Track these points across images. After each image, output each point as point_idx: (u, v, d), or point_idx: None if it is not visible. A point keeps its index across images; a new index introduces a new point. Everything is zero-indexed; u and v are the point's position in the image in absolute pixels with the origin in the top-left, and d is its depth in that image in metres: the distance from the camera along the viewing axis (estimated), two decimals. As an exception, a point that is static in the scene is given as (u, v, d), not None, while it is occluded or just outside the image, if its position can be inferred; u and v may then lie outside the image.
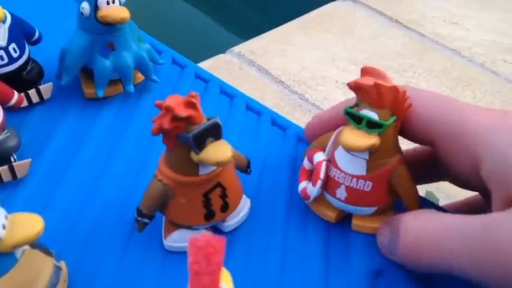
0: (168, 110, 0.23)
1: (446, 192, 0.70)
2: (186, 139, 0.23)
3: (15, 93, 0.32)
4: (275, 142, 0.33)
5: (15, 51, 0.33)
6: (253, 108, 0.36)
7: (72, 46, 0.33)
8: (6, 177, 0.29)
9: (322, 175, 0.27)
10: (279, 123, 0.35)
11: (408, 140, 0.28)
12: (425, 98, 0.27)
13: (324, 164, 0.27)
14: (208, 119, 0.24)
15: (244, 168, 0.28)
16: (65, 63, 0.33)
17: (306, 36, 0.99)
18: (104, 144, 0.32)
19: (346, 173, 0.27)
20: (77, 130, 0.33)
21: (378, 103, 0.25)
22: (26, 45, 0.34)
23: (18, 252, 0.22)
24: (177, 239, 0.27)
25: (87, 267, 0.26)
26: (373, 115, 0.25)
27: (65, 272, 0.24)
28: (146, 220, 0.26)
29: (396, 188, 0.27)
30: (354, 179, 0.26)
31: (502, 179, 0.23)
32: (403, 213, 0.26)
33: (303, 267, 0.27)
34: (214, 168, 0.25)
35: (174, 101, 0.23)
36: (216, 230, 0.28)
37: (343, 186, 0.27)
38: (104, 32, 0.33)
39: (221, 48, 0.95)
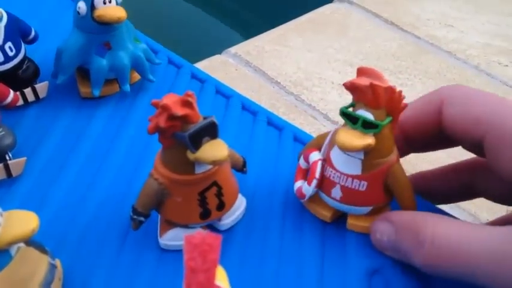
0: (165, 108, 0.23)
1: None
2: (182, 138, 0.23)
3: (11, 91, 0.32)
4: (271, 142, 0.34)
5: (11, 50, 0.33)
6: (249, 108, 0.36)
7: (69, 45, 0.33)
8: (1, 175, 0.29)
9: (317, 174, 0.27)
10: (275, 123, 0.35)
11: (453, 138, 0.27)
12: (474, 95, 0.26)
13: (319, 163, 0.27)
14: (205, 118, 0.24)
15: (240, 168, 0.28)
16: (61, 62, 0.33)
17: (302, 38, 0.99)
18: (100, 143, 0.32)
19: (341, 173, 0.27)
20: (72, 129, 0.33)
21: (374, 103, 0.25)
22: (22, 44, 0.34)
23: (13, 250, 0.22)
24: (172, 238, 0.27)
25: (82, 265, 0.26)
26: (369, 115, 0.25)
27: (60, 270, 0.24)
28: (141, 218, 0.26)
29: (391, 188, 0.27)
30: (349, 179, 0.27)
31: None
32: (424, 216, 0.25)
33: (298, 265, 0.27)
34: (210, 167, 0.25)
35: (171, 100, 0.23)
36: (212, 228, 0.28)
37: (338, 186, 0.27)
38: (100, 31, 0.33)
39: (217, 49, 0.95)
